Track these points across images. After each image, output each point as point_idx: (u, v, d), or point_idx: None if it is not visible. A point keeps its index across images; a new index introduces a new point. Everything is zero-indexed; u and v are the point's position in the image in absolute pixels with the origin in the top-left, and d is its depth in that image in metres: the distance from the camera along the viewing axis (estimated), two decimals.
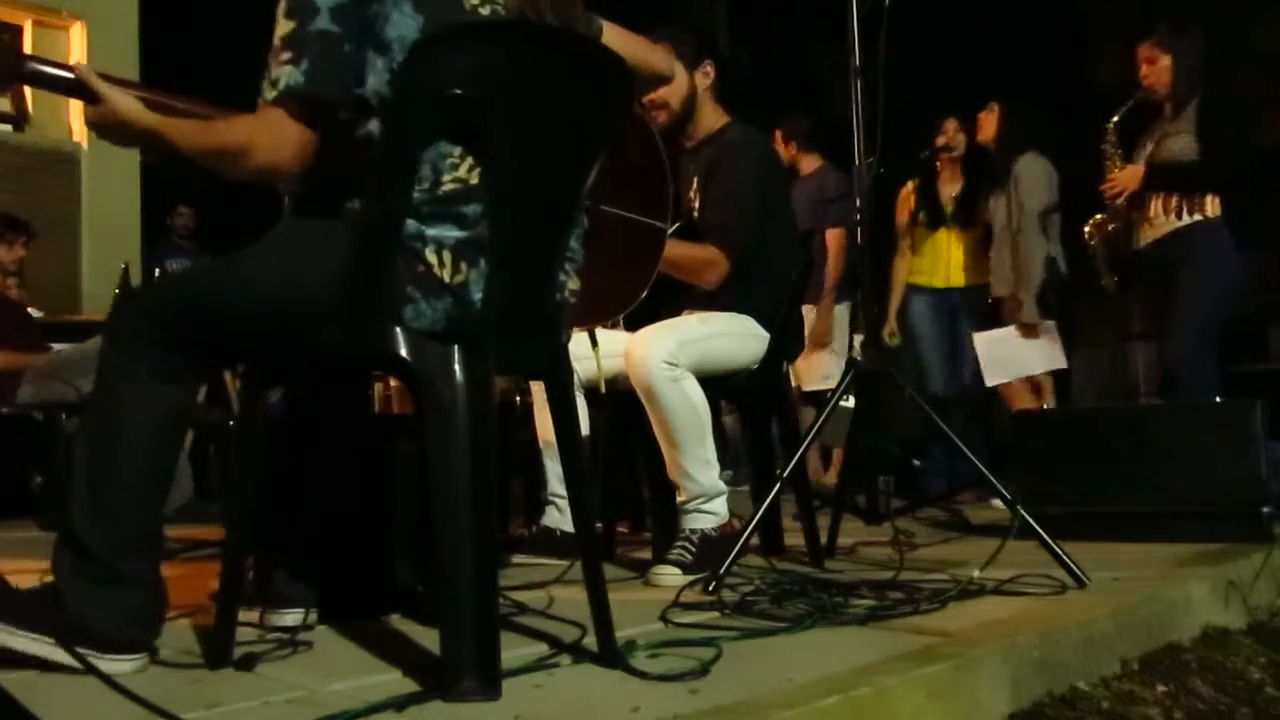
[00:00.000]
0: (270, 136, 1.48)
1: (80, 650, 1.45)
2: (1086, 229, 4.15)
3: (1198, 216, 3.74)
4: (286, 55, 1.47)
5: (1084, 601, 2.01)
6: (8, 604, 1.53)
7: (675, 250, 2.63)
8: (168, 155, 1.57)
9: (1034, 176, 4.53)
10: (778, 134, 5.27)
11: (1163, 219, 3.79)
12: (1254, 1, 7.83)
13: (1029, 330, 4.45)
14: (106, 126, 1.59)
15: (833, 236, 5.07)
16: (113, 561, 1.49)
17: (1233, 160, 3.73)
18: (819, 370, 5.06)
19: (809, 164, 5.33)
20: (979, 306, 4.74)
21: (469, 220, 1.45)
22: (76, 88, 1.60)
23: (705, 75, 2.86)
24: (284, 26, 1.49)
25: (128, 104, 1.57)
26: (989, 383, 4.49)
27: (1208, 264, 3.69)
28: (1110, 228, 4.03)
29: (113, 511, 1.50)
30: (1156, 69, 3.85)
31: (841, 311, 5.23)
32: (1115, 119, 4.00)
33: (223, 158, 1.51)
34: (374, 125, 1.51)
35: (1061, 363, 4.51)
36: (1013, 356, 4.46)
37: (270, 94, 1.48)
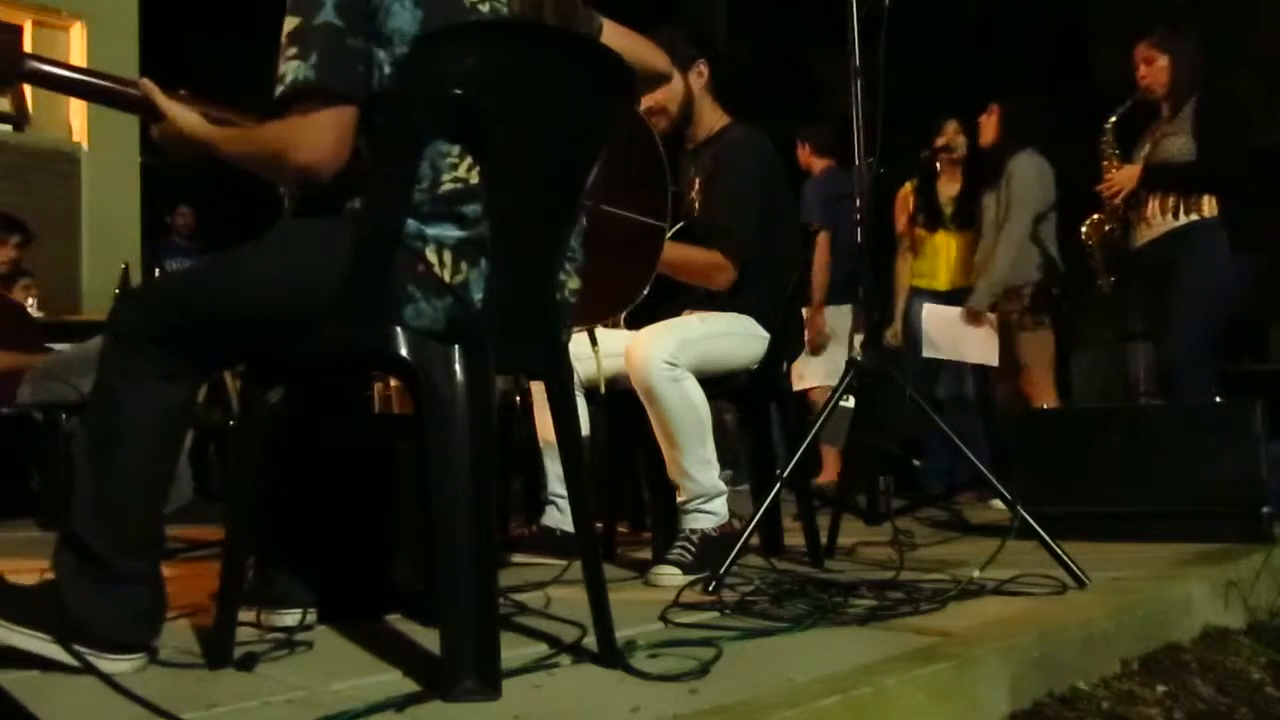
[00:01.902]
0: (301, 135, 1.47)
1: (80, 649, 1.45)
2: (1083, 229, 4.16)
3: (1194, 216, 3.74)
4: (292, 51, 1.47)
5: (1084, 601, 2.01)
6: (8, 600, 1.53)
7: (680, 254, 2.63)
8: (220, 163, 1.58)
9: (1025, 174, 4.53)
10: (798, 140, 5.43)
11: (1160, 219, 3.79)
12: (1252, 3, 7.83)
13: (973, 317, 4.45)
14: (169, 141, 1.62)
15: (819, 239, 5.10)
16: (114, 561, 1.49)
17: (1230, 161, 3.73)
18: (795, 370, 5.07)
19: (818, 165, 5.45)
20: None
21: (469, 220, 1.45)
22: (140, 104, 1.62)
23: (699, 75, 2.86)
24: (289, 23, 1.49)
25: (189, 119, 1.60)
26: (925, 353, 4.50)
27: (1204, 264, 3.69)
28: (1107, 228, 4.03)
29: (114, 511, 1.50)
30: (1154, 69, 3.85)
31: (840, 312, 5.23)
32: (1112, 119, 4.00)
33: (267, 159, 1.52)
34: (378, 118, 1.51)
35: (993, 360, 4.49)
36: (953, 337, 4.47)
37: (278, 90, 1.47)
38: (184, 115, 1.61)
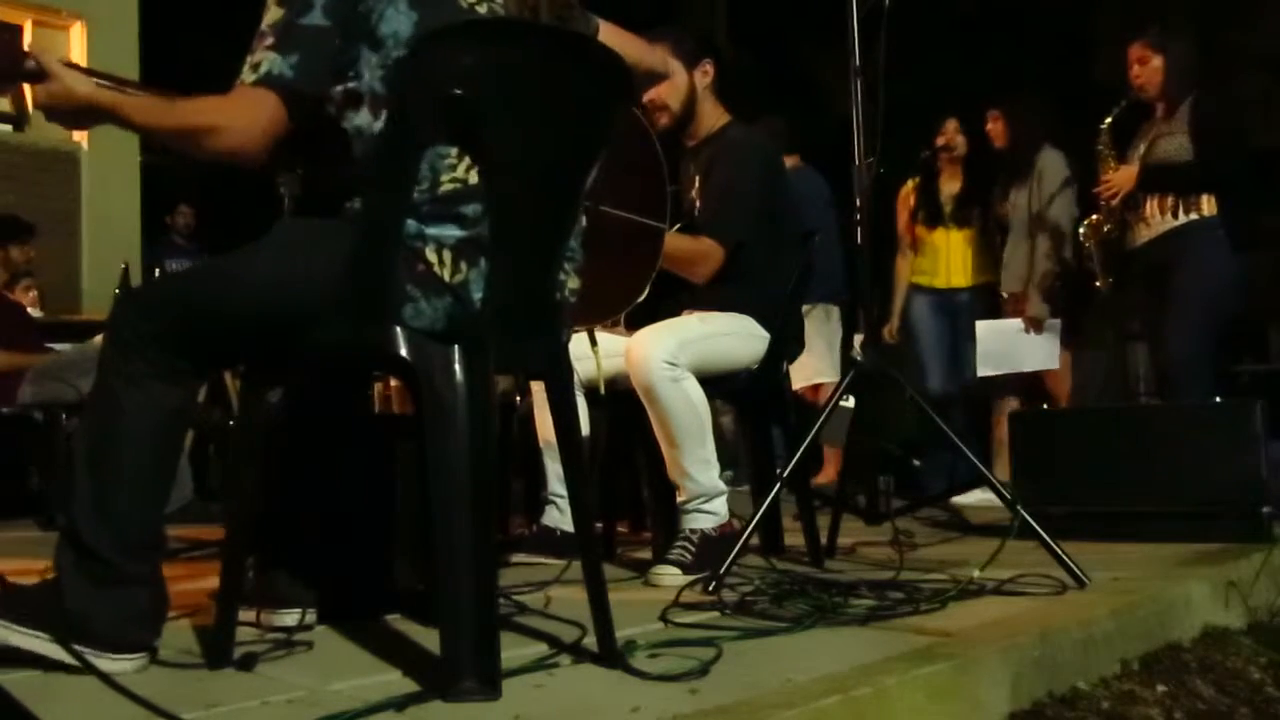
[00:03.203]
0: (243, 118, 1.48)
1: (81, 649, 1.45)
2: (1081, 230, 4.14)
3: (1194, 216, 3.73)
4: (271, 41, 1.48)
5: (1084, 601, 2.01)
6: (8, 600, 1.53)
7: (671, 243, 2.63)
8: (131, 130, 1.55)
9: (1055, 172, 4.53)
10: None
11: (1159, 218, 3.79)
12: (1253, 3, 7.84)
13: (1035, 324, 4.45)
14: (56, 104, 1.57)
15: None
16: (115, 561, 1.49)
17: (1228, 161, 3.73)
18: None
19: (786, 163, 5.38)
20: (982, 306, 4.74)
21: (469, 220, 1.45)
22: (28, 71, 1.58)
23: (705, 74, 2.86)
24: (274, 13, 1.49)
25: (78, 80, 1.56)
26: (980, 373, 4.48)
27: (1203, 263, 3.68)
28: (1105, 229, 4.02)
29: (114, 512, 1.50)
30: (1148, 69, 3.84)
31: (824, 312, 5.22)
32: (1108, 121, 3.99)
33: (189, 136, 1.51)
34: (363, 118, 1.52)
35: (1053, 363, 4.50)
36: (1010, 349, 4.46)
37: (250, 77, 1.47)
38: (74, 78, 1.56)
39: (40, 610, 1.50)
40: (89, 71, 1.61)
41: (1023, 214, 4.57)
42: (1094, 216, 4.07)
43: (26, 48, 1.60)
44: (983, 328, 4.52)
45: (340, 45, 1.50)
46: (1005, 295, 4.63)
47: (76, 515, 1.50)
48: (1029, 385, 4.67)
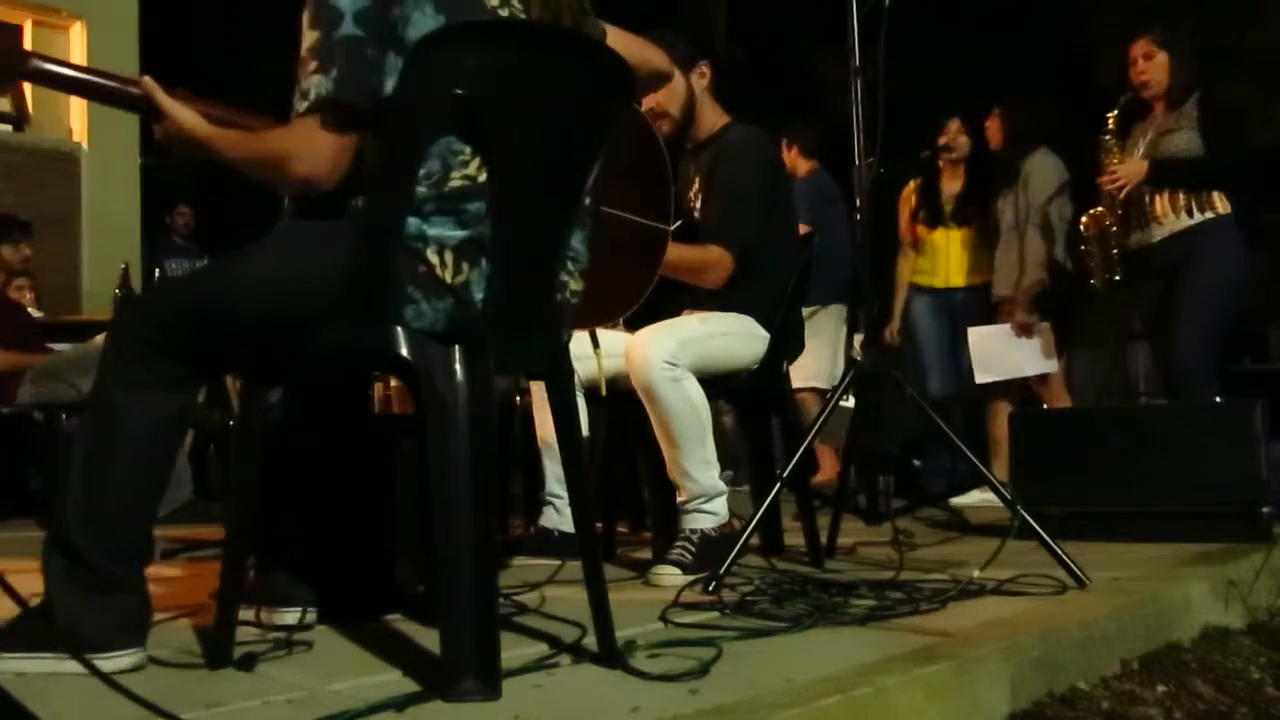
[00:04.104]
0: (303, 143, 1.47)
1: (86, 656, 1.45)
2: (1083, 219, 4.12)
3: (1209, 214, 3.72)
4: (314, 65, 1.47)
5: (1084, 601, 2.01)
6: (11, 634, 1.54)
7: (678, 253, 2.63)
8: (222, 165, 1.57)
9: (1044, 175, 4.52)
10: (783, 140, 5.35)
11: (1172, 217, 3.76)
12: (1253, 3, 7.84)
13: (1023, 330, 4.45)
14: (172, 140, 1.60)
15: None
16: (105, 567, 1.49)
17: (1239, 157, 3.72)
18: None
19: (804, 167, 5.42)
20: (980, 306, 4.74)
21: (471, 218, 1.45)
22: (141, 104, 1.61)
23: (701, 76, 2.86)
24: (309, 37, 1.48)
25: (189, 119, 1.58)
26: (978, 379, 4.49)
27: (1219, 262, 3.67)
28: (1107, 222, 3.99)
29: (107, 518, 1.50)
30: (1153, 65, 3.84)
31: (832, 312, 5.23)
32: (1114, 112, 3.97)
33: (269, 165, 1.51)
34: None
35: (1052, 367, 4.50)
36: (1004, 354, 4.47)
37: (301, 105, 1.47)
38: (184, 115, 1.59)
39: (36, 634, 1.50)
40: (193, 98, 1.62)
41: (1009, 219, 4.57)
42: (1096, 209, 4.04)
43: (144, 80, 1.62)
44: (974, 334, 4.53)
45: (374, 54, 1.49)
46: (995, 300, 4.64)
47: (68, 520, 1.50)
48: (1023, 391, 4.68)
